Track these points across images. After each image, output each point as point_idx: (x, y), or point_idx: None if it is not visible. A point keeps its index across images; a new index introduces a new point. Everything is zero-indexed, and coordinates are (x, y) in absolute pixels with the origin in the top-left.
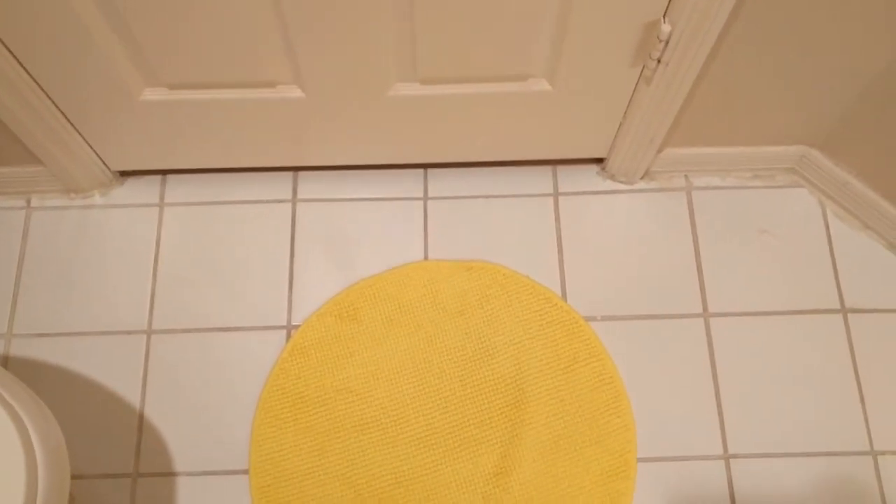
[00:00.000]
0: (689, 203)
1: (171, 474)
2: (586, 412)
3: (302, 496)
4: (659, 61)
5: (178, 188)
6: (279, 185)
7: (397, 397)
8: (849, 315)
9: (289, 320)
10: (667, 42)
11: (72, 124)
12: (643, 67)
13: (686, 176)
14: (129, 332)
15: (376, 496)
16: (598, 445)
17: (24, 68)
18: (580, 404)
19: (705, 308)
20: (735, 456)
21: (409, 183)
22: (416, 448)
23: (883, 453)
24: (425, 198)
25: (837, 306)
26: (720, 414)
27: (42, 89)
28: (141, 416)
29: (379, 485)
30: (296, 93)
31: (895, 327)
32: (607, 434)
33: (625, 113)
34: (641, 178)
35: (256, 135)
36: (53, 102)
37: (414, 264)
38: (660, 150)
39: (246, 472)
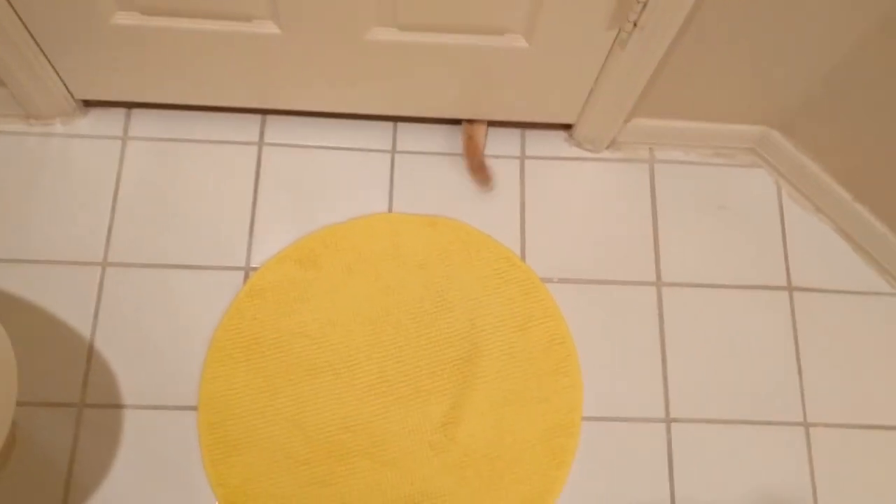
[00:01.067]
0: (652, 175)
1: (119, 406)
2: (536, 370)
3: (250, 435)
4: (635, 24)
5: (143, 123)
6: (246, 127)
7: (352, 344)
8: (794, 293)
9: (247, 262)
10: (645, 5)
11: (38, 45)
12: (619, 31)
13: (650, 149)
14: (84, 264)
15: (324, 439)
16: (546, 403)
17: None
18: (531, 362)
19: (659, 277)
20: (676, 420)
21: (379, 135)
22: (367, 394)
23: (815, 425)
24: (393, 151)
25: (784, 284)
26: (665, 379)
27: (10, 4)
28: (90, 348)
29: (328, 429)
30: (272, 28)
31: (837, 307)
32: (555, 392)
33: (597, 78)
34: (607, 147)
35: (228, 71)
36: (20, 19)
37: (378, 215)
38: (627, 120)
39: (195, 408)
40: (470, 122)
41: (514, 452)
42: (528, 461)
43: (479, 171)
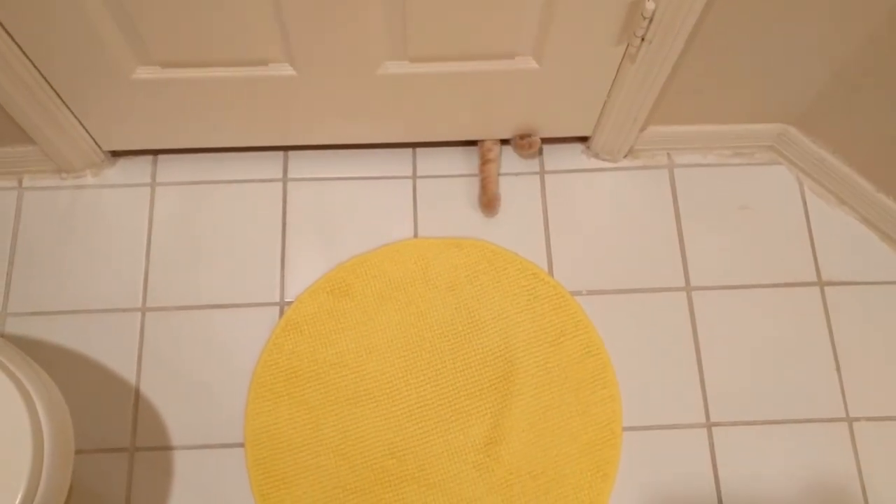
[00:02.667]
0: (672, 180)
1: (168, 448)
2: (573, 383)
3: (297, 468)
4: (643, 39)
5: (170, 168)
6: (270, 165)
7: (389, 371)
8: (825, 287)
9: (281, 297)
10: (651, 20)
11: (64, 103)
12: (627, 46)
13: (668, 154)
14: (123, 310)
15: (370, 467)
16: (585, 416)
17: (17, 44)
18: (567, 376)
19: (687, 282)
20: (717, 424)
21: (399, 162)
22: (408, 420)
23: (858, 419)
24: (414, 176)
25: (814, 279)
26: (702, 384)
27: (35, 67)
28: (137, 392)
29: (372, 456)
30: (288, 71)
31: (869, 299)
32: (593, 404)
33: (609, 91)
34: (625, 156)
35: (248, 113)
36: (46, 80)
37: (405, 242)
38: (643, 129)
39: (241, 445)
40: (485, 161)
41: (557, 468)
42: (573, 475)
43: (491, 205)
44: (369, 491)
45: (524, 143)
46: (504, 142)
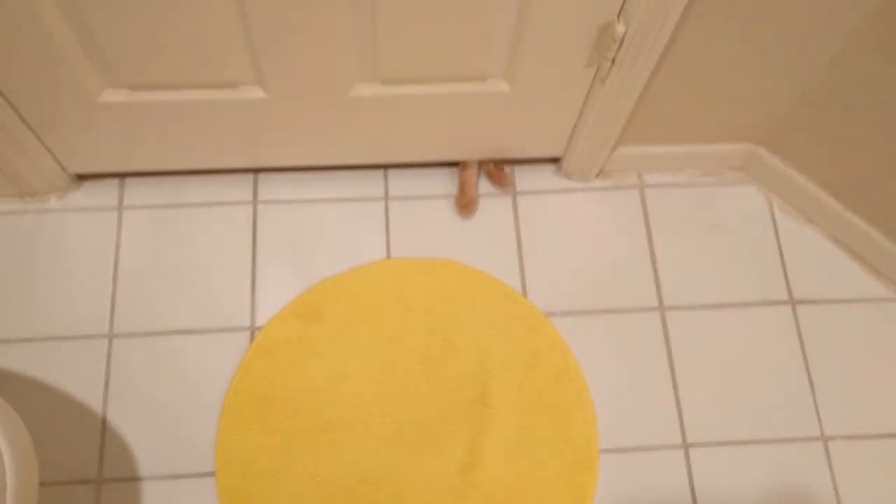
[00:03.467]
0: (643, 200)
1: (137, 479)
2: (549, 406)
3: (270, 496)
4: (613, 61)
5: (137, 191)
6: (239, 187)
7: (363, 395)
8: (797, 306)
9: (252, 322)
10: (621, 43)
11: (27, 125)
12: (598, 68)
13: (639, 174)
14: (89, 337)
15: (344, 495)
16: (562, 439)
17: None
18: (543, 399)
19: (661, 302)
20: (693, 445)
21: (370, 183)
22: (383, 445)
23: (833, 438)
24: (386, 198)
25: (786, 297)
26: (678, 404)
27: None
28: (104, 422)
29: (347, 483)
30: (258, 93)
31: (841, 316)
32: (570, 427)
33: (580, 113)
34: (596, 176)
35: (218, 136)
36: (9, 102)
37: (377, 263)
38: (614, 149)
39: (212, 474)
40: (465, 166)
41: (535, 492)
42: (551, 500)
43: (469, 207)
44: None
45: (499, 174)
46: None
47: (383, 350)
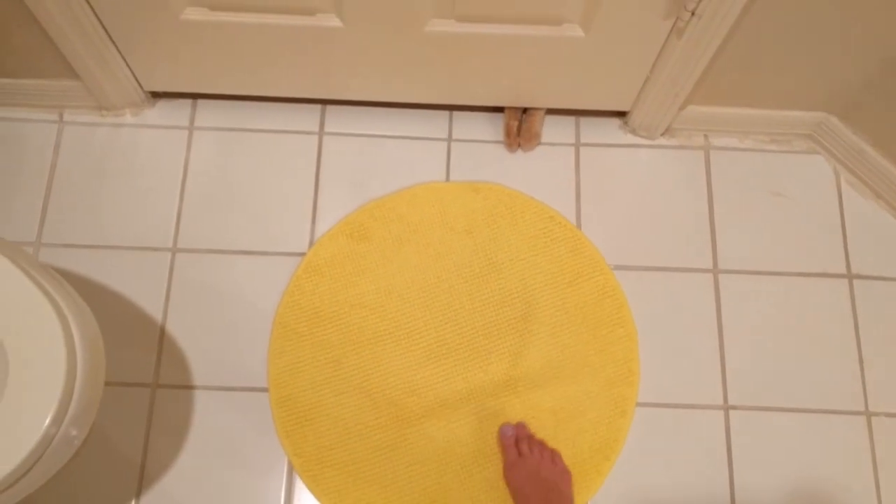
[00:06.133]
0: (707, 162)
1: (189, 387)
2: (590, 323)
3: (320, 406)
4: (693, 13)
5: (208, 113)
6: (307, 117)
7: (409, 312)
8: (854, 281)
9: (310, 247)
10: None
11: (111, 39)
12: (676, 20)
13: (705, 135)
14: (154, 249)
15: (391, 404)
16: (603, 354)
17: None
18: (584, 316)
19: (715, 264)
20: (734, 407)
21: (435, 124)
22: (428, 359)
23: (877, 414)
24: (449, 139)
25: (844, 271)
26: (723, 367)
27: (87, 2)
28: (162, 330)
29: (394, 394)
30: (334, 22)
31: None
32: (611, 343)
33: (653, 66)
34: (662, 134)
35: (291, 63)
36: (96, 15)
37: (422, 185)
38: (682, 107)
39: (263, 389)
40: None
41: (576, 404)
42: (592, 411)
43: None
44: (391, 427)
45: (535, 133)
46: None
47: (428, 268)
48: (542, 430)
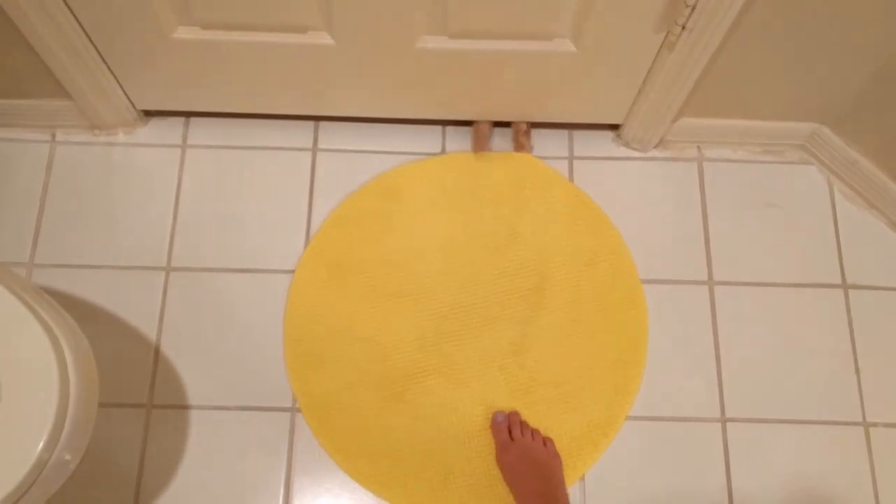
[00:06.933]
0: (700, 173)
1: (185, 407)
2: (603, 303)
3: (332, 351)
4: (684, 27)
5: (201, 131)
6: (300, 134)
7: (429, 273)
8: (849, 291)
9: None
10: (693, 8)
11: (103, 59)
12: (667, 33)
13: (699, 147)
14: (148, 268)
15: (400, 357)
16: (611, 333)
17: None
18: (597, 294)
19: (710, 276)
20: (731, 419)
21: (428, 139)
22: (441, 320)
23: (875, 425)
24: (443, 153)
25: (839, 281)
26: (720, 379)
27: (78, 21)
28: (157, 350)
29: (404, 348)
30: (326, 40)
31: (894, 305)
32: (621, 323)
33: (644, 79)
34: (655, 146)
35: (283, 81)
36: (88, 36)
37: (456, 154)
38: (675, 120)
39: (258, 408)
40: (518, 146)
41: (579, 380)
42: (594, 388)
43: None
44: (397, 380)
45: (525, 140)
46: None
47: (453, 233)
48: (542, 402)
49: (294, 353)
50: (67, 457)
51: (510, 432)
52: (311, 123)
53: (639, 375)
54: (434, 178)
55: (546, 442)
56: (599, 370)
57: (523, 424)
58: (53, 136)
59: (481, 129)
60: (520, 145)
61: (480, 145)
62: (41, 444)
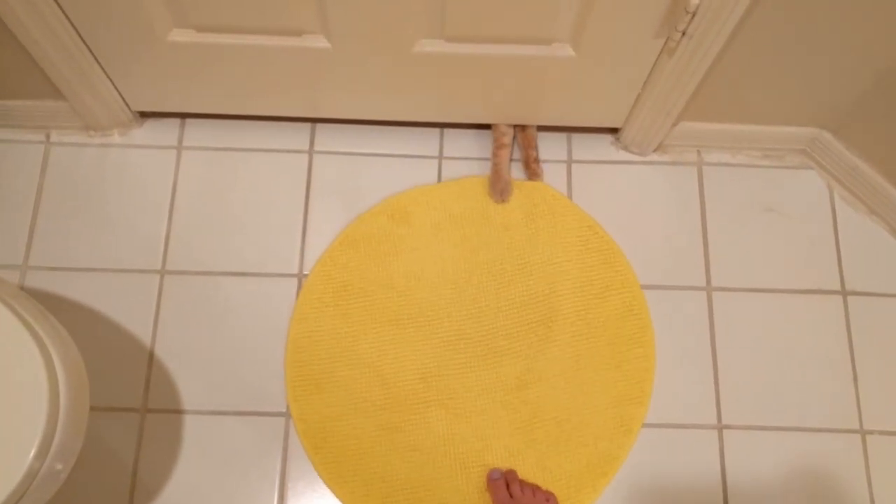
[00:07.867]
0: (700, 178)
1: (179, 411)
2: (611, 337)
3: (332, 376)
4: (684, 33)
5: (197, 132)
6: (296, 136)
7: (435, 301)
8: (848, 297)
9: (300, 268)
10: (694, 14)
11: (97, 61)
12: (667, 39)
13: (698, 151)
14: (143, 271)
15: (401, 387)
16: (618, 370)
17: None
18: (606, 329)
19: (708, 282)
20: (728, 426)
21: (426, 141)
22: (445, 350)
23: (871, 432)
24: (440, 157)
25: (838, 288)
26: (716, 386)
27: (71, 23)
28: (151, 354)
29: (405, 377)
30: (322, 43)
31: (893, 312)
32: (628, 361)
33: (644, 84)
34: (654, 150)
35: (279, 84)
36: (81, 37)
37: (469, 178)
38: (674, 124)
39: (253, 413)
40: (499, 146)
41: (582, 416)
42: (597, 426)
43: (504, 192)
44: (396, 409)
45: (535, 167)
46: (518, 127)
47: (461, 261)
48: (544, 439)
49: (294, 375)
50: (59, 466)
51: (508, 488)
52: (307, 125)
53: (642, 415)
54: (444, 203)
55: (549, 499)
56: (604, 407)
57: (522, 481)
58: (48, 136)
59: (503, 175)
60: (532, 173)
61: (502, 195)
62: (32, 454)
